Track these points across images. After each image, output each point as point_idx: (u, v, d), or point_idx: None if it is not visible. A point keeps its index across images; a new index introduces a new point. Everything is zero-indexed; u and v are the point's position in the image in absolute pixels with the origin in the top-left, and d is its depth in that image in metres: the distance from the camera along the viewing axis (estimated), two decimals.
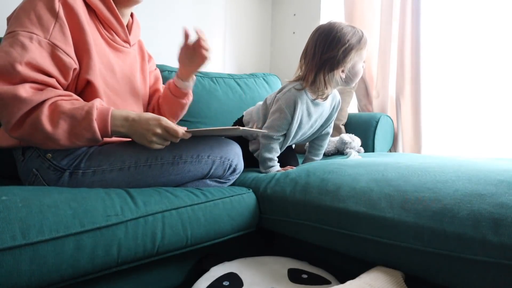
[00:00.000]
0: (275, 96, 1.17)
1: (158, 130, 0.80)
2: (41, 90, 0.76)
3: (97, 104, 0.79)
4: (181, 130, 0.81)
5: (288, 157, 1.26)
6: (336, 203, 0.82)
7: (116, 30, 0.94)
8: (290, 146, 1.34)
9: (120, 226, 0.70)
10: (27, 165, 0.84)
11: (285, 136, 1.16)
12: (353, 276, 0.70)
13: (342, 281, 0.76)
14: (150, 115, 0.82)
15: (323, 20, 2.14)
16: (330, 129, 1.30)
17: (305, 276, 0.81)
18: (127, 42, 0.99)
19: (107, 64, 0.91)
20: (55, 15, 0.79)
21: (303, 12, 2.19)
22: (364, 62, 1.12)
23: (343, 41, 1.05)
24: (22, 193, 0.66)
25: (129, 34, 0.99)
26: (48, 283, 0.61)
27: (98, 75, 0.87)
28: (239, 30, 2.20)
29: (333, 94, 1.22)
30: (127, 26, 1.00)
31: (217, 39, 2.09)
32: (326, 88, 1.12)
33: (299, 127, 1.16)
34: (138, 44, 1.10)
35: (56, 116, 0.75)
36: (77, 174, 0.83)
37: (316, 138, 1.31)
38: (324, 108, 1.19)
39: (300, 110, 1.12)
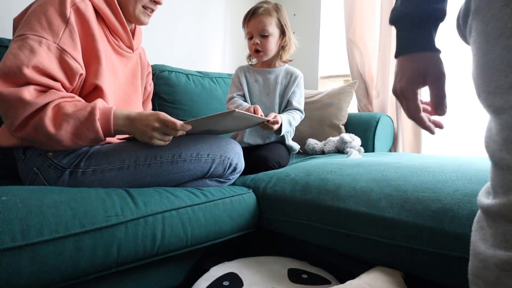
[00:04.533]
0: None
1: (157, 124, 0.81)
2: (45, 92, 0.77)
3: (99, 104, 0.81)
4: (179, 122, 0.83)
5: (280, 154, 1.25)
6: (336, 203, 0.82)
7: (121, 37, 0.97)
8: (284, 144, 1.34)
9: (120, 227, 0.70)
10: (28, 164, 0.85)
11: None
12: (353, 276, 0.70)
13: (342, 281, 0.76)
14: (149, 111, 0.84)
15: (323, 20, 2.14)
16: (298, 106, 1.32)
17: (305, 276, 0.81)
18: (131, 48, 1.02)
19: (111, 69, 0.93)
20: (66, 21, 0.80)
21: (303, 12, 2.19)
22: (251, 40, 1.36)
23: None
24: (22, 193, 0.66)
25: (133, 39, 1.02)
26: (48, 284, 0.61)
27: (106, 80, 0.89)
28: (239, 30, 2.20)
29: (287, 68, 1.37)
30: (130, 30, 1.03)
31: (217, 39, 2.09)
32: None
33: (252, 90, 1.36)
34: (139, 51, 1.12)
35: (60, 118, 0.76)
36: (77, 173, 0.83)
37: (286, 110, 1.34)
38: (273, 75, 1.35)
39: (243, 75, 1.38)
